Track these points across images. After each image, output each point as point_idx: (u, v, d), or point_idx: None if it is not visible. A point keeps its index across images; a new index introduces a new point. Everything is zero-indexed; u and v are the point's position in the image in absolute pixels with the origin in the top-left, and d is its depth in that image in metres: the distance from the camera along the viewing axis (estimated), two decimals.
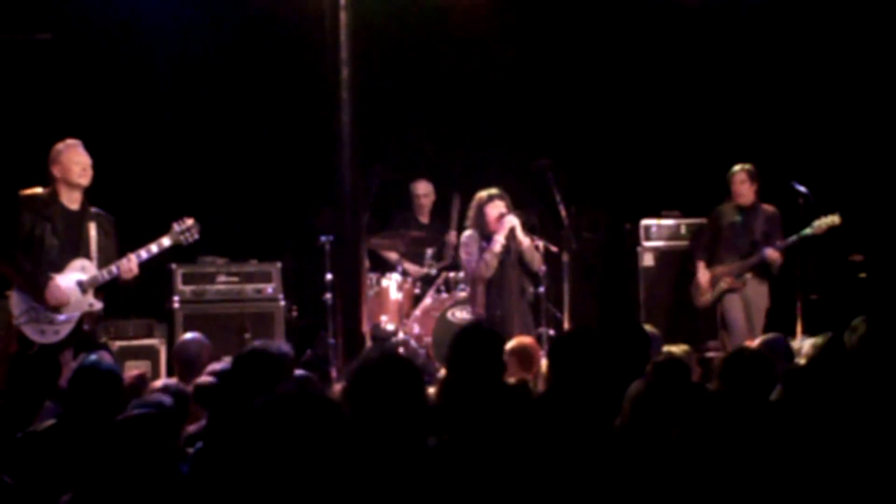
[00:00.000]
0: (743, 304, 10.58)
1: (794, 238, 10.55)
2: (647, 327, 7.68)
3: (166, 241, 8.36)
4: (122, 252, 8.31)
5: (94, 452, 4.67)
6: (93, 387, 5.82)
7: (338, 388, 6.71)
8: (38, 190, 8.17)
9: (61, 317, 8.08)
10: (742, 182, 10.76)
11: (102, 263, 8.21)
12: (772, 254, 10.56)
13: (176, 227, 8.42)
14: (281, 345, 6.78)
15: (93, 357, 6.13)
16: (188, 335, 8.25)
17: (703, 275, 10.81)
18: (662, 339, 8.02)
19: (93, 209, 8.30)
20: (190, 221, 8.45)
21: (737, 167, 10.83)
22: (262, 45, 11.84)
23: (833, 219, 10.48)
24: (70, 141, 8.24)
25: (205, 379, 6.58)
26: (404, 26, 11.85)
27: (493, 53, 12.34)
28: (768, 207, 10.83)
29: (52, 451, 5.46)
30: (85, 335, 8.17)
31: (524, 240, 9.98)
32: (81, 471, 4.83)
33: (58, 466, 5.28)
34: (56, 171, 8.15)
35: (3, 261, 8.13)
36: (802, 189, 10.78)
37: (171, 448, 4.71)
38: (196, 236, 8.48)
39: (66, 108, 11.22)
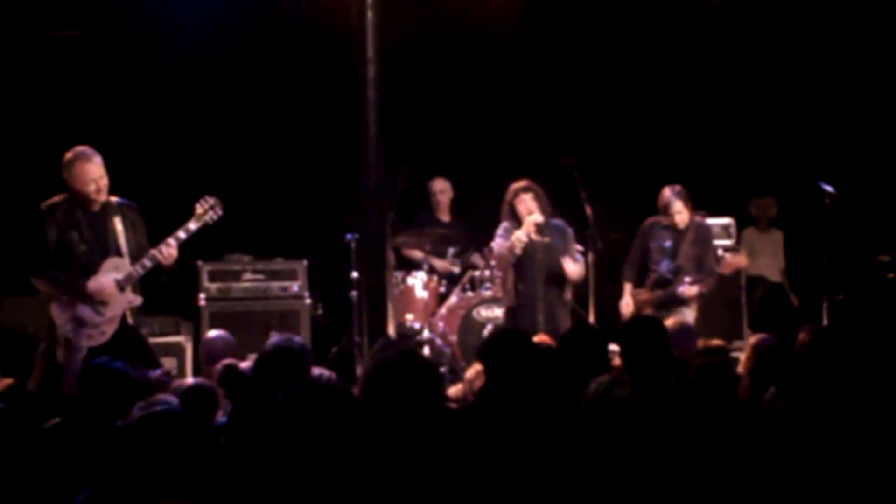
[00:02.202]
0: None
1: (708, 279, 10.04)
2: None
3: (192, 225, 8.29)
4: (151, 235, 8.32)
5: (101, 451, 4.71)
6: (101, 386, 5.84)
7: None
8: (58, 199, 8.13)
9: (104, 318, 8.10)
10: (679, 213, 10.05)
11: (135, 255, 8.18)
12: (686, 291, 9.95)
13: (199, 208, 8.38)
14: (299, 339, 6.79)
15: (103, 357, 6.15)
16: (214, 332, 8.27)
17: (626, 302, 10.26)
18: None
19: (114, 200, 8.23)
20: (212, 200, 8.42)
21: (669, 194, 10.09)
22: (288, 43, 11.85)
23: (740, 259, 9.98)
24: (81, 151, 8.11)
25: (239, 363, 6.58)
26: (430, 25, 11.86)
27: (519, 52, 12.33)
28: (700, 222, 10.23)
29: (56, 449, 5.48)
30: (131, 329, 8.20)
31: (572, 269, 10.00)
32: (85, 469, 4.86)
33: (62, 464, 5.31)
34: (70, 182, 8.10)
35: (38, 275, 8.13)
36: (829, 189, 10.72)
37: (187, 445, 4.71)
38: (220, 213, 8.41)
39: (92, 105, 11.28)
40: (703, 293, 10.13)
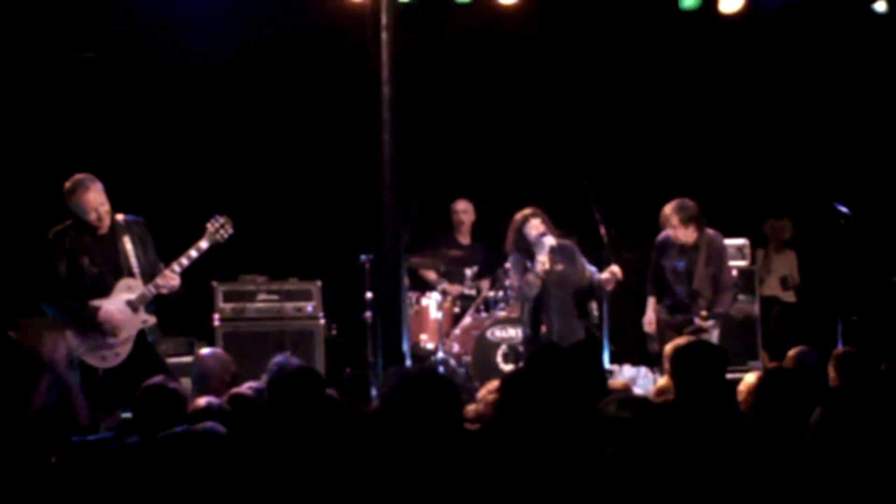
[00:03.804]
0: None
1: (719, 312, 9.84)
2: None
3: (204, 244, 8.32)
4: (166, 256, 8.35)
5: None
6: (158, 405, 5.89)
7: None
8: (64, 225, 8.14)
9: (117, 340, 8.12)
10: (675, 228, 9.84)
11: (146, 272, 8.21)
12: (702, 323, 9.79)
13: (210, 227, 8.39)
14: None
15: (159, 377, 6.19)
16: (206, 350, 8.23)
17: (650, 319, 10.12)
18: None
19: (120, 218, 8.26)
20: (222, 218, 8.44)
21: (668, 210, 9.86)
22: (304, 64, 11.90)
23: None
24: (79, 180, 8.10)
25: (242, 390, 6.58)
26: (445, 46, 11.90)
27: (534, 73, 12.36)
28: (711, 238, 9.97)
29: (108, 463, 5.52)
30: (148, 348, 8.23)
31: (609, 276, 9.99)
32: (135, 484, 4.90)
33: (113, 479, 5.35)
34: (73, 210, 8.11)
35: (49, 304, 8.15)
36: (844, 210, 10.71)
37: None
38: (231, 231, 8.43)
39: (110, 125, 11.34)
40: (723, 315, 9.97)
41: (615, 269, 9.99)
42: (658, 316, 10.13)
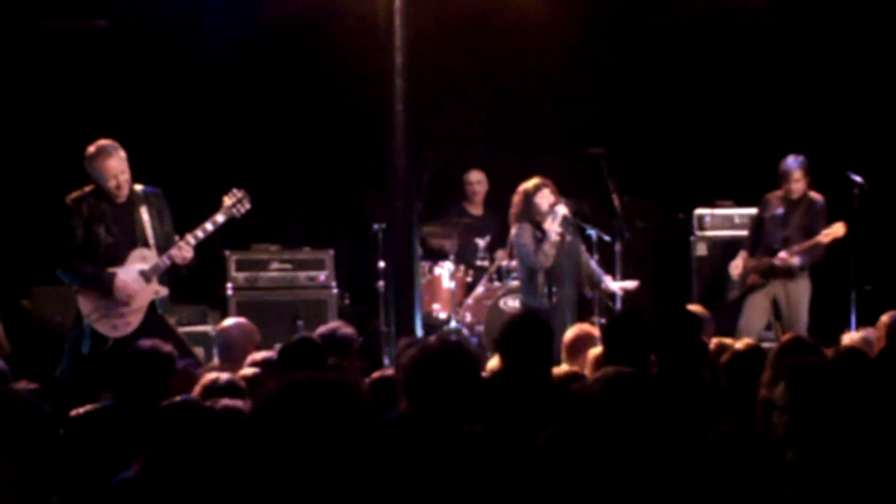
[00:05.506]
0: (768, 304, 10.19)
1: (807, 244, 10.11)
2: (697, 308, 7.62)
3: (220, 218, 8.31)
4: (179, 227, 8.34)
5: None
6: (147, 370, 5.90)
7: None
8: (82, 192, 8.12)
9: (129, 308, 8.13)
10: (798, 181, 10.25)
11: (162, 244, 8.20)
12: (783, 259, 10.08)
13: (227, 200, 8.38)
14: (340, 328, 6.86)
15: (150, 342, 6.18)
16: (229, 320, 8.26)
17: (735, 264, 10.43)
18: (713, 321, 8.06)
19: (138, 189, 8.24)
20: (240, 193, 8.42)
21: (789, 158, 10.33)
22: (316, 32, 11.85)
23: (837, 228, 10.10)
24: (102, 146, 8.08)
25: (248, 371, 6.57)
26: (458, 14, 11.84)
27: (546, 41, 12.31)
28: (815, 197, 10.35)
29: (102, 432, 5.53)
30: (158, 318, 8.23)
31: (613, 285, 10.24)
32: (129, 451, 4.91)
33: (108, 447, 5.36)
34: (92, 176, 8.10)
35: (64, 268, 8.16)
36: (858, 179, 10.66)
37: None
38: (248, 206, 8.42)
39: (121, 95, 11.32)
40: (807, 264, 10.20)
41: (629, 285, 10.21)
42: (747, 263, 10.38)
